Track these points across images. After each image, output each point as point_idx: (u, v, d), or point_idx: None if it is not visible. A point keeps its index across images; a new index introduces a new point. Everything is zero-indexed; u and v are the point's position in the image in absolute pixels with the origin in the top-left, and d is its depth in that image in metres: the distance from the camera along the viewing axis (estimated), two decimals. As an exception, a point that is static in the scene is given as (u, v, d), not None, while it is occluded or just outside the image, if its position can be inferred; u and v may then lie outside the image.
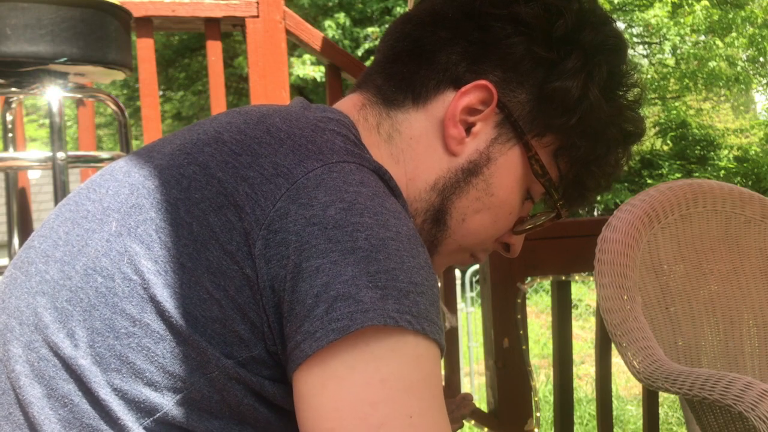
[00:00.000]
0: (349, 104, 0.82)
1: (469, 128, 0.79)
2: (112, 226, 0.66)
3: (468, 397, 1.02)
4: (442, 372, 2.37)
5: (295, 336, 0.60)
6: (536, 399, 2.18)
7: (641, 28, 13.41)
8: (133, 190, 0.68)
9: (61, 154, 1.69)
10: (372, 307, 0.58)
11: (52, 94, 1.68)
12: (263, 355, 0.63)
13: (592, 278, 1.55)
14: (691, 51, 13.46)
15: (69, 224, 0.70)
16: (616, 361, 2.03)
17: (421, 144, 0.79)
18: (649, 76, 14.00)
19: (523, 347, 2.14)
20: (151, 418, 0.62)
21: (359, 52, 11.16)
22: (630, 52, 0.88)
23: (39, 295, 0.67)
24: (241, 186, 0.64)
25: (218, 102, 2.43)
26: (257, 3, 2.37)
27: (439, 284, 2.28)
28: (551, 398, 2.81)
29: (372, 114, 0.81)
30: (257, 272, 0.61)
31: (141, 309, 0.62)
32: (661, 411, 3.50)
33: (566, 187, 0.85)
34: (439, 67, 0.78)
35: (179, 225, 0.63)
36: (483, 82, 0.77)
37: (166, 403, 0.62)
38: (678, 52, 13.83)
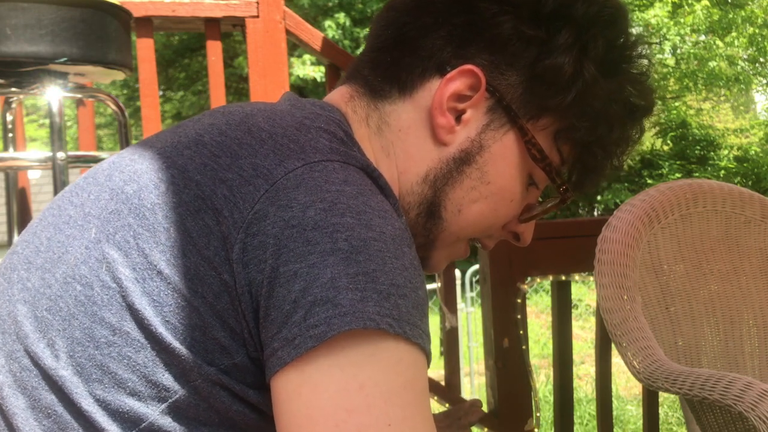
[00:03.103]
0: (338, 97, 0.79)
1: (459, 116, 0.75)
2: (92, 232, 0.65)
3: (477, 404, 1.00)
4: (442, 372, 2.37)
5: (272, 343, 0.59)
6: (536, 399, 2.18)
7: (641, 28, 13.39)
8: (113, 195, 0.66)
9: (61, 154, 1.69)
10: (351, 311, 0.56)
11: (52, 94, 1.68)
12: (246, 362, 0.62)
13: (592, 278, 1.55)
14: (691, 51, 13.46)
15: (51, 229, 0.69)
16: (616, 361, 2.03)
17: (410, 135, 0.76)
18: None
19: (523, 347, 2.14)
20: (137, 429, 0.61)
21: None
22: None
23: (20, 303, 0.66)
24: (219, 189, 0.62)
25: (218, 102, 2.43)
26: (257, 3, 2.37)
27: (439, 284, 2.28)
28: (551, 398, 2.81)
29: (360, 106, 0.78)
30: (235, 277, 0.60)
31: (120, 317, 0.61)
32: (661, 411, 3.50)
33: (570, 170, 0.81)
34: (423, 54, 0.75)
35: (157, 231, 0.62)
36: (469, 66, 0.74)
37: (151, 413, 0.61)
38: (678, 52, 13.83)
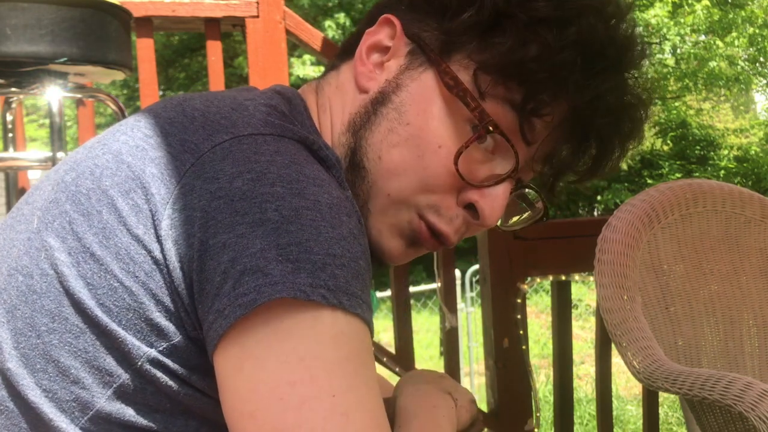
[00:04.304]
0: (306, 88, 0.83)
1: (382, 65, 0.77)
2: (34, 223, 0.65)
3: (477, 416, 1.00)
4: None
5: (208, 316, 0.58)
6: (536, 399, 2.18)
7: (641, 28, 13.37)
8: (54, 185, 0.67)
9: (61, 154, 1.69)
10: (281, 280, 0.55)
11: (52, 94, 1.68)
12: (185, 343, 0.61)
13: (592, 278, 1.55)
14: (691, 51, 13.46)
15: (7, 230, 0.69)
16: (616, 361, 2.03)
17: (341, 90, 0.78)
18: (649, 76, 13.96)
19: (523, 347, 2.14)
20: (86, 417, 0.61)
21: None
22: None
23: None
24: (148, 167, 0.62)
25: (218, 102, 2.42)
26: (257, 3, 2.37)
27: (439, 284, 2.28)
28: (551, 398, 2.81)
29: (315, 82, 0.82)
30: (165, 254, 0.59)
31: (58, 303, 0.61)
32: (661, 411, 3.49)
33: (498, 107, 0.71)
34: (365, 26, 0.78)
35: (90, 214, 0.62)
36: (385, 15, 0.75)
37: (98, 399, 0.61)
38: (678, 52, 13.83)
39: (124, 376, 0.61)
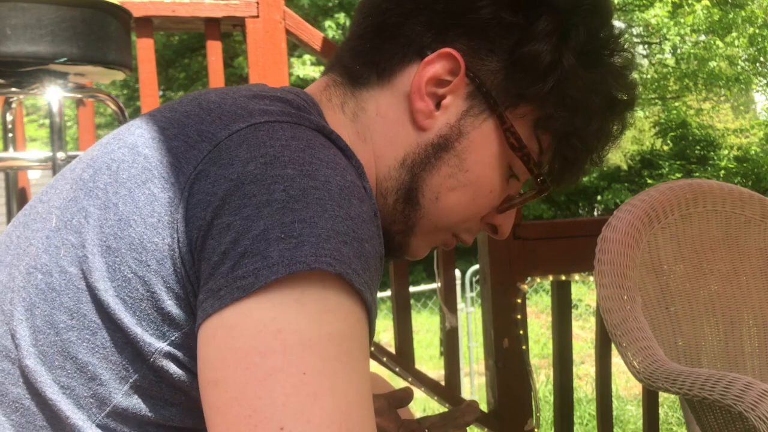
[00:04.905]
0: (314, 86, 0.80)
1: (439, 102, 0.74)
2: (53, 222, 0.66)
3: (473, 404, 1.00)
4: (442, 372, 2.37)
5: (199, 294, 0.58)
6: (536, 399, 2.18)
7: (641, 28, 13.39)
8: (72, 184, 0.67)
9: (61, 154, 1.69)
10: (279, 261, 0.54)
11: (52, 94, 1.68)
12: (196, 331, 0.60)
13: (592, 278, 1.55)
14: (691, 51, 13.47)
15: (21, 228, 0.70)
16: (616, 361, 2.03)
17: (387, 120, 0.76)
18: (649, 76, 14.00)
19: (523, 347, 2.14)
20: (103, 413, 0.61)
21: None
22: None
23: None
24: (165, 157, 0.62)
25: (218, 102, 2.42)
26: (257, 3, 2.37)
27: (439, 284, 2.28)
28: (551, 398, 2.81)
29: (336, 94, 0.78)
30: (178, 239, 0.59)
31: (77, 300, 0.61)
32: (661, 411, 3.49)
33: (550, 161, 0.79)
34: (403, 40, 0.74)
35: (107, 208, 0.62)
36: (448, 49, 0.72)
37: (115, 394, 0.61)
38: (678, 52, 13.84)
39: (140, 371, 0.61)
